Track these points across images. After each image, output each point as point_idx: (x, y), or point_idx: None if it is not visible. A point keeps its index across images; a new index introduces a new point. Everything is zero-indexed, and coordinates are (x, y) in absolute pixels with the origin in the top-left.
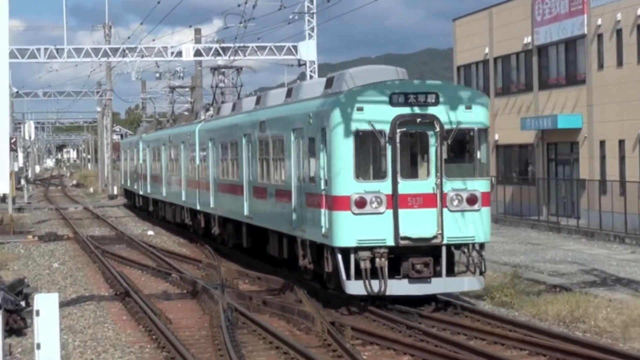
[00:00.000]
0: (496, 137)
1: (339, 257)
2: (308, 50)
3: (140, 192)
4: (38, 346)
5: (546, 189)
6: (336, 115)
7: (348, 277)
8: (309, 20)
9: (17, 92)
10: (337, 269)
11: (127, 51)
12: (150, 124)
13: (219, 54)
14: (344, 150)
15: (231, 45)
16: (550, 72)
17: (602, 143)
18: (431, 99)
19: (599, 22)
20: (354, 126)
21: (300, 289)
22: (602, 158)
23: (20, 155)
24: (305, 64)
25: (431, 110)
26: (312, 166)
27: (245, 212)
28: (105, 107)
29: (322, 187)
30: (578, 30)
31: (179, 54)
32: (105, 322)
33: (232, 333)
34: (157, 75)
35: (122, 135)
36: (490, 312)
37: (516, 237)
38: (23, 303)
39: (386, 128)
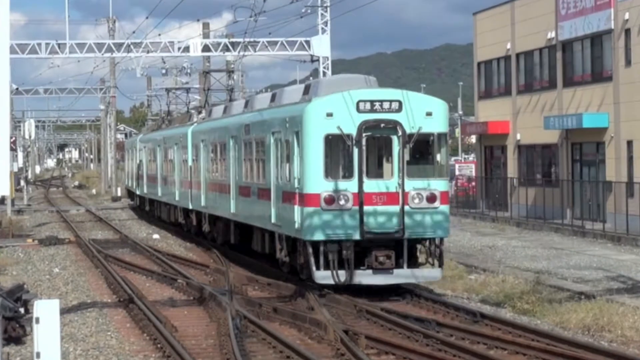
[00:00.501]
0: (518, 136)
1: (310, 249)
2: (321, 46)
3: (138, 192)
4: (38, 355)
5: (570, 192)
6: (308, 120)
7: (318, 268)
8: (322, 14)
9: (17, 89)
10: (308, 260)
11: (132, 46)
12: (151, 124)
13: (228, 49)
14: (315, 152)
15: (241, 40)
16: (575, 69)
17: (629, 143)
18: (395, 106)
19: (626, 16)
20: (324, 130)
21: (312, 296)
22: (630, 159)
23: (20, 155)
24: (318, 60)
25: (394, 116)
26: (288, 167)
27: (232, 210)
28: (108, 105)
29: (296, 185)
30: (604, 25)
31: (186, 49)
32: (108, 330)
33: (241, 342)
34: (164, 71)
35: (126, 135)
36: (512, 320)
37: (539, 241)
38: (22, 310)
39: (353, 132)
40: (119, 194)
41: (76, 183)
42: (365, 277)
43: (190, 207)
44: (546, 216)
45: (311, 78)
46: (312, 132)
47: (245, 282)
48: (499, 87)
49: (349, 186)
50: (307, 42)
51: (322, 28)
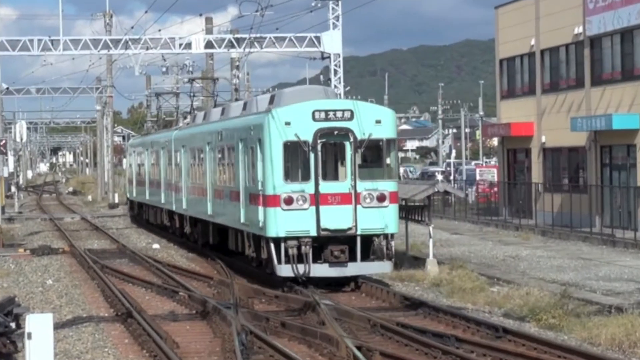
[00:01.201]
0: (543, 139)
1: (272, 245)
2: (332, 42)
3: (128, 195)
4: None
5: (599, 198)
6: (268, 128)
7: (279, 262)
8: (333, 8)
9: (8, 88)
10: (270, 255)
11: (130, 43)
12: (150, 127)
13: (232, 46)
14: (275, 157)
15: (246, 36)
16: (604, 66)
17: None
18: (347, 115)
19: None
20: (283, 138)
21: (323, 309)
22: None
23: (11, 159)
24: (329, 57)
25: (347, 124)
26: (253, 171)
27: (209, 212)
28: (105, 106)
29: (260, 188)
30: (635, 20)
31: (188, 45)
32: (105, 346)
33: (247, 358)
34: (164, 69)
35: (124, 137)
36: (537, 335)
37: (565, 251)
38: (13, 324)
39: (310, 139)
40: (117, 200)
41: (70, 189)
42: (322, 270)
43: (173, 209)
44: (573, 224)
45: (322, 76)
46: (272, 139)
47: (251, 295)
48: (522, 86)
49: (307, 188)
50: (317, 38)
51: (333, 23)
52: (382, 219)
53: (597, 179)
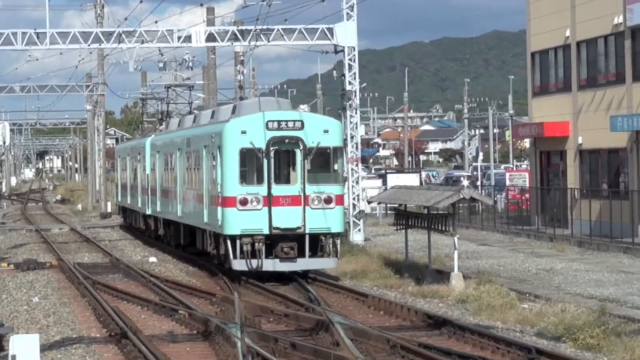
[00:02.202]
0: (579, 140)
1: (228, 242)
2: (347, 34)
3: (117, 201)
4: None
5: None
6: (226, 136)
7: (235, 257)
8: None
9: None
10: (227, 251)
11: (123, 36)
12: (147, 128)
13: (236, 39)
14: (232, 162)
15: (252, 27)
16: None
17: None
18: (297, 125)
19: None
20: (239, 145)
21: (337, 329)
22: None
23: None
24: (343, 51)
25: (297, 133)
26: (214, 174)
27: (179, 214)
28: (96, 105)
29: (219, 190)
30: None
31: (188, 39)
32: None
33: None
34: (161, 65)
35: (117, 140)
36: (573, 357)
37: (604, 263)
38: None
39: (263, 146)
40: (109, 209)
41: (58, 197)
42: (273, 265)
43: (149, 212)
44: (613, 234)
45: (335, 72)
46: (229, 146)
47: (258, 313)
48: (556, 81)
49: (260, 190)
50: (330, 30)
51: (348, 13)
52: (328, 220)
53: (639, 183)
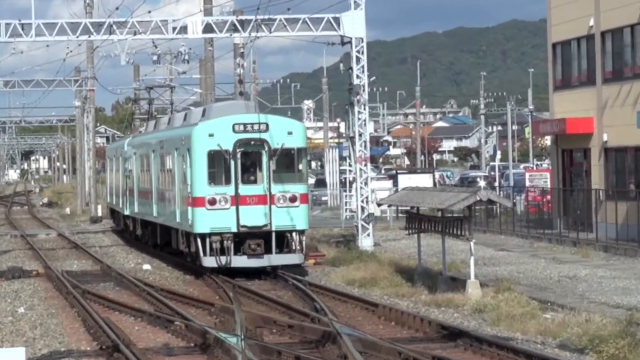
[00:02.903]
0: (604, 137)
1: (199, 240)
2: (354, 24)
3: (107, 202)
4: None
5: None
6: (195, 139)
7: (204, 254)
8: None
9: None
10: (197, 248)
11: (114, 27)
12: (139, 125)
13: (235, 30)
14: (200, 164)
15: (252, 17)
16: None
17: None
18: (263, 127)
19: None
20: (207, 147)
21: (345, 341)
22: None
23: None
24: (350, 42)
25: (262, 135)
26: (184, 176)
27: (154, 214)
28: (86, 101)
29: (189, 190)
30: None
31: (184, 29)
32: None
33: None
34: (155, 58)
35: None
36: None
37: (632, 270)
38: None
39: (230, 148)
40: (100, 213)
41: (45, 200)
42: (241, 261)
43: (127, 213)
44: None
45: (341, 65)
46: (198, 148)
47: (260, 324)
48: (579, 74)
49: (228, 190)
50: (337, 20)
51: (355, 2)
52: (293, 217)
53: None
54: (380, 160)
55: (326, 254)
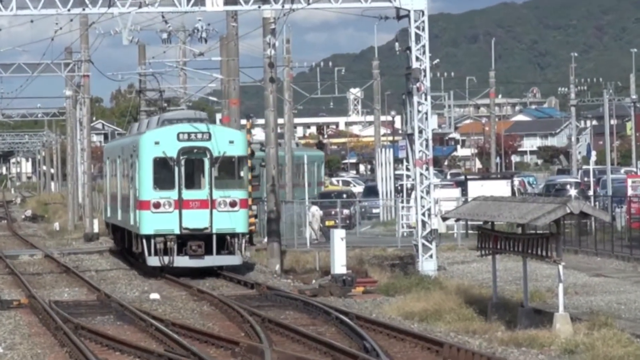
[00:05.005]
0: None
1: (144, 241)
2: None
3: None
4: None
5: None
6: (142, 146)
7: (149, 254)
8: None
9: None
10: (143, 249)
11: None
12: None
13: (265, 1)
14: (146, 170)
15: None
16: None
17: None
18: (205, 136)
19: None
20: (153, 154)
21: None
22: None
23: None
24: (408, 16)
25: (205, 144)
26: (134, 181)
27: (119, 218)
28: (79, 90)
29: (137, 194)
30: None
31: (201, 1)
32: None
33: None
34: (165, 36)
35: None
36: None
37: None
38: None
39: (174, 155)
40: (96, 229)
41: (28, 212)
42: (183, 261)
43: (104, 218)
44: None
45: (397, 44)
46: (144, 155)
47: None
48: None
49: (172, 195)
50: None
51: None
52: (233, 221)
53: None
54: (446, 162)
55: (378, 280)
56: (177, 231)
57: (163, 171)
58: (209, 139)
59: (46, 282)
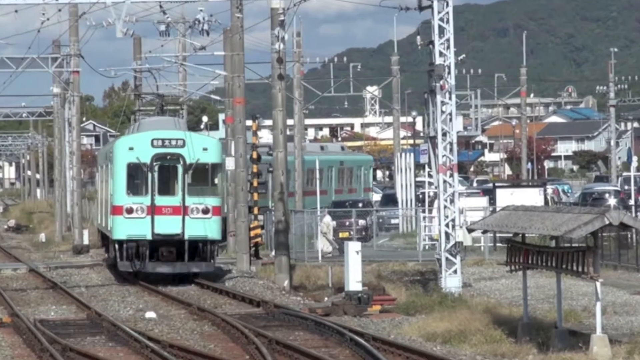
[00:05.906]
0: None
1: (117, 246)
2: None
3: None
4: None
5: None
6: (116, 152)
7: (122, 259)
8: None
9: None
10: (115, 254)
11: None
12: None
13: None
14: (120, 175)
15: None
16: None
17: None
18: (180, 143)
19: None
20: (127, 160)
21: None
22: None
23: None
24: (431, 6)
25: (179, 150)
26: (110, 185)
27: (102, 224)
28: (68, 87)
29: (111, 199)
30: None
31: None
32: None
33: None
34: (162, 28)
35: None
36: None
37: None
38: None
39: (148, 161)
40: (85, 240)
41: (12, 223)
42: (155, 267)
43: (95, 224)
44: None
45: (418, 38)
46: (118, 160)
47: None
48: None
49: (145, 200)
50: None
51: None
52: (206, 228)
53: None
54: (472, 169)
55: (397, 298)
56: (149, 237)
57: (136, 177)
58: (183, 145)
59: (31, 298)
